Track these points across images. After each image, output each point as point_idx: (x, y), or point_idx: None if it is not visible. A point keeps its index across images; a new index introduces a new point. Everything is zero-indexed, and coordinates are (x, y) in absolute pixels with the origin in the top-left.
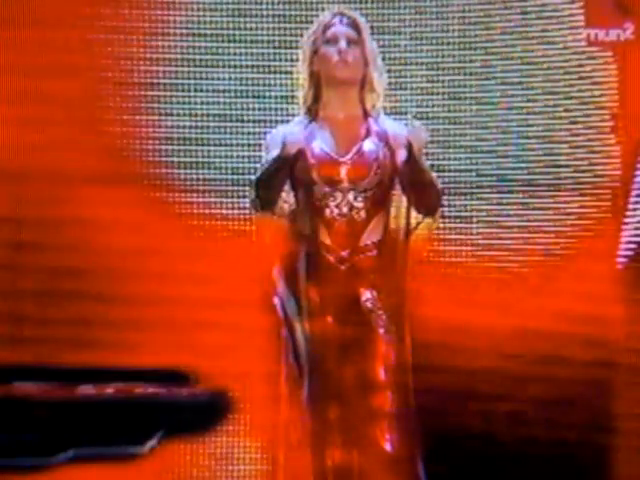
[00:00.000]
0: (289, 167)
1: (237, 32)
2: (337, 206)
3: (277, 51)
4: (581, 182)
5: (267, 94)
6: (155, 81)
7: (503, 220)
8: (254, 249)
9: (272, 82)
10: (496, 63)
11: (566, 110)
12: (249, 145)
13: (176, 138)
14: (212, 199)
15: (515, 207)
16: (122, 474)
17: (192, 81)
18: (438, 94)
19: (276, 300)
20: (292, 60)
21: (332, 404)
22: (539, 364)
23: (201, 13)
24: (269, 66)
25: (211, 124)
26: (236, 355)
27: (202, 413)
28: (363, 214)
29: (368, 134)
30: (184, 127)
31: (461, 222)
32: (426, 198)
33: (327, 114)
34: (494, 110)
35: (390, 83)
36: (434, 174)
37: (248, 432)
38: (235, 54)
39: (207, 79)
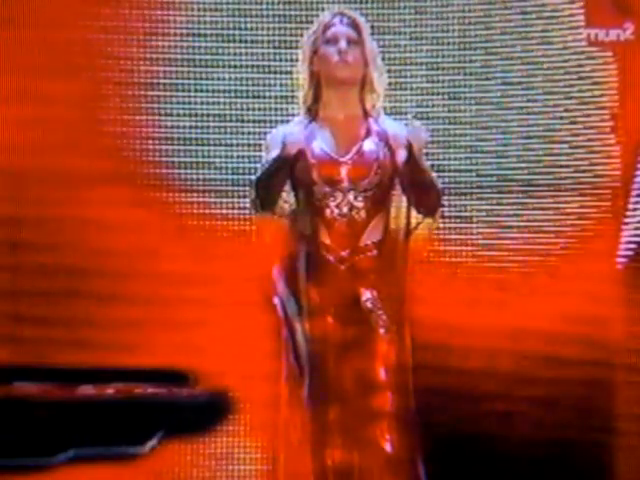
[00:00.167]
0: (289, 167)
1: (237, 32)
2: (337, 206)
3: (277, 51)
4: (581, 182)
5: (267, 94)
6: (155, 81)
7: (503, 220)
8: (254, 249)
9: (272, 82)
10: (496, 63)
11: (566, 110)
12: (249, 145)
13: (176, 138)
14: (212, 199)
15: (515, 207)
16: (122, 474)
17: (192, 81)
18: (438, 94)
19: (276, 300)
20: (292, 60)
21: (332, 404)
22: (539, 364)
23: (201, 13)
24: (269, 66)
25: (211, 124)
26: (236, 355)
27: (202, 413)
28: (363, 214)
29: (368, 134)
30: (184, 127)
31: (461, 222)
32: (426, 198)
33: (327, 114)
34: (494, 110)
35: (390, 83)
36: (434, 174)
37: (248, 432)
38: (235, 54)
39: (207, 79)
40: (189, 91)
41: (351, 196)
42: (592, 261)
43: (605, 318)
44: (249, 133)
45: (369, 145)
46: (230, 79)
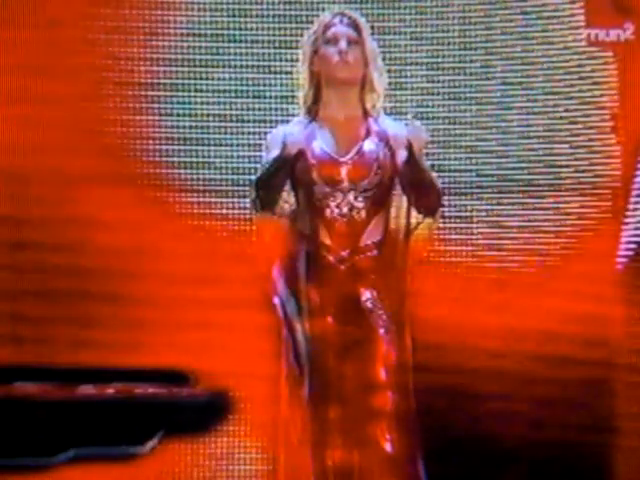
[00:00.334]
0: (289, 167)
1: (237, 32)
2: (337, 206)
3: (277, 51)
4: (581, 182)
5: (267, 94)
6: (155, 81)
7: (503, 220)
8: (254, 249)
9: (272, 82)
10: (496, 63)
11: (566, 110)
12: (249, 145)
13: (176, 138)
14: (212, 199)
15: (515, 207)
16: (122, 474)
17: (192, 81)
18: (438, 94)
19: (276, 300)
20: (292, 60)
21: (332, 404)
22: (539, 364)
23: (201, 13)
24: (269, 66)
25: (211, 124)
26: (236, 355)
27: (202, 413)
28: (363, 214)
29: (368, 134)
30: (184, 127)
31: (461, 222)
32: (426, 198)
33: (327, 114)
34: (494, 110)
35: (390, 83)
36: (434, 174)
37: (248, 432)
38: (235, 54)
39: (207, 79)
40: (189, 91)
41: (351, 196)
42: (592, 261)
43: (605, 318)
44: (249, 133)
45: (369, 145)
46: (230, 79)
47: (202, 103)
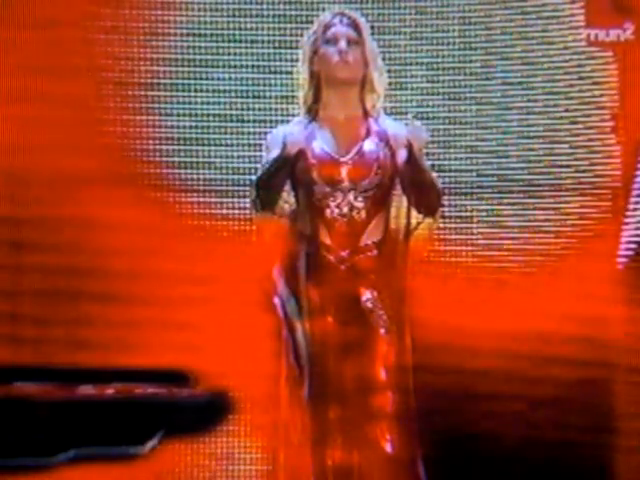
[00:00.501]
0: (289, 167)
1: (237, 32)
2: (337, 206)
3: (277, 51)
4: (581, 182)
5: (267, 94)
6: (155, 81)
7: (503, 220)
8: (254, 249)
9: (272, 82)
10: (496, 63)
11: (566, 110)
12: (249, 145)
13: (176, 138)
14: (212, 199)
15: (515, 207)
16: (122, 474)
17: (192, 81)
18: (438, 94)
19: (276, 300)
20: (292, 60)
21: (332, 404)
22: (539, 364)
23: (201, 13)
24: (269, 66)
25: (211, 124)
26: (236, 355)
27: (202, 413)
28: (363, 214)
29: (368, 134)
30: (184, 127)
31: (461, 222)
32: (426, 198)
33: (327, 114)
34: (494, 110)
35: (390, 83)
36: (434, 174)
37: (248, 432)
38: (235, 54)
39: (207, 79)
40: (189, 91)
41: (351, 196)
42: (592, 261)
43: (605, 318)
44: (249, 133)
45: (369, 145)
46: (230, 79)
47: (202, 103)
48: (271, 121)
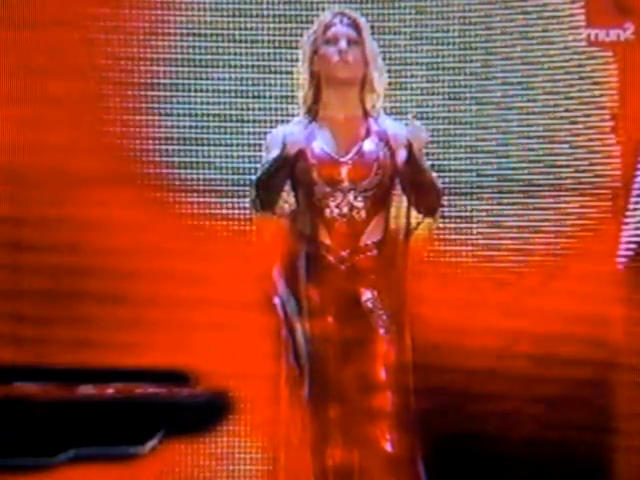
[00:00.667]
0: (289, 167)
1: (237, 32)
2: (337, 206)
3: (277, 51)
4: (581, 182)
5: (267, 94)
6: (155, 81)
7: (503, 220)
8: (254, 249)
9: (272, 82)
10: (496, 63)
11: (566, 110)
12: (249, 145)
13: (176, 138)
14: (212, 199)
15: (515, 207)
16: (122, 474)
17: (192, 81)
18: (438, 94)
19: (276, 300)
20: (292, 60)
21: (332, 404)
22: (539, 364)
23: (201, 13)
24: (269, 66)
25: (211, 124)
26: (236, 355)
27: (202, 413)
28: (363, 214)
29: (368, 134)
30: (184, 127)
31: (461, 222)
32: (426, 198)
33: (327, 114)
34: (494, 110)
35: (390, 83)
36: (434, 174)
37: (248, 432)
38: (235, 54)
39: (207, 79)
40: (189, 91)
41: (351, 196)
42: (592, 261)
43: (605, 318)
44: (249, 133)
45: (369, 145)
46: (230, 79)
47: (202, 103)
48: (271, 121)
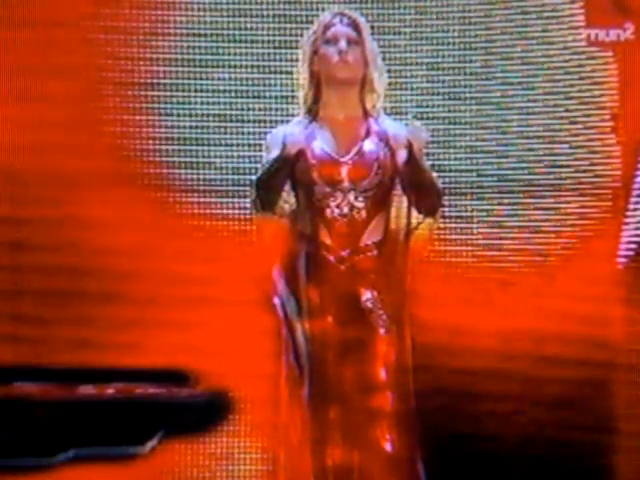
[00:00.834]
0: (289, 167)
1: (237, 32)
2: (338, 206)
3: (277, 51)
4: (581, 182)
5: (267, 94)
6: (155, 81)
7: (503, 220)
8: (254, 249)
9: (272, 82)
10: (496, 63)
11: (566, 110)
12: (249, 145)
13: (176, 138)
14: (212, 199)
15: (515, 207)
16: (122, 474)
17: (192, 81)
18: (438, 94)
19: (276, 300)
20: (292, 60)
21: (332, 404)
22: (539, 364)
23: (201, 13)
24: (269, 66)
25: (211, 124)
26: (236, 355)
27: (202, 413)
28: (364, 214)
29: (368, 134)
30: (184, 127)
31: (461, 222)
32: (426, 198)
33: (327, 114)
34: (494, 110)
35: (390, 83)
36: (434, 174)
37: (248, 432)
38: (235, 54)
39: (207, 79)
40: (189, 91)
41: (351, 196)
42: (592, 261)
43: (605, 318)
44: (249, 133)
45: (369, 145)
46: (230, 79)
47: (202, 103)
48: (271, 121)
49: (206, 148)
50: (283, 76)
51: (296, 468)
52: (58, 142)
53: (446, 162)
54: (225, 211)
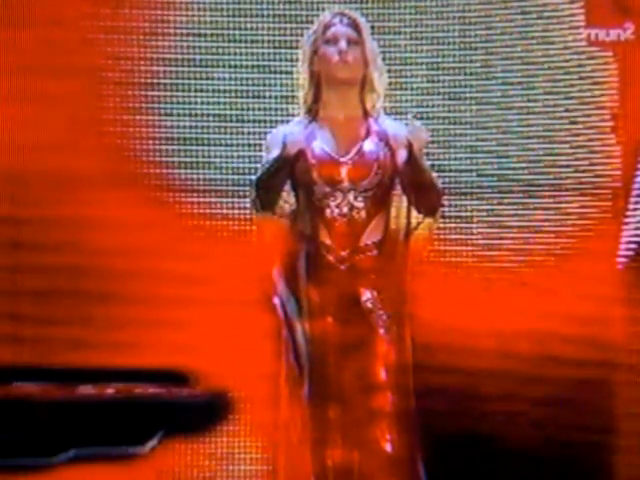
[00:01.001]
0: (289, 167)
1: (237, 32)
2: (337, 206)
3: (277, 51)
4: (581, 182)
5: (267, 94)
6: (155, 81)
7: (503, 220)
8: (254, 249)
9: (272, 82)
10: (496, 63)
11: (566, 110)
12: (249, 145)
13: (176, 138)
14: (212, 199)
15: (515, 207)
16: (122, 474)
17: (192, 81)
18: (438, 94)
19: (276, 300)
20: (292, 60)
21: (332, 404)
22: (539, 364)
23: (201, 13)
24: (269, 66)
25: (211, 124)
26: (236, 355)
27: (202, 413)
28: (363, 214)
29: (368, 134)
30: (184, 127)
31: (461, 222)
32: (426, 198)
33: (327, 114)
34: (494, 110)
35: (390, 83)
36: (434, 174)
37: (248, 432)
38: (235, 54)
39: (207, 79)
40: (189, 91)
41: (351, 196)
42: (592, 261)
43: (605, 318)
44: (249, 133)
45: (369, 145)
46: (230, 79)
47: (202, 103)
48: (271, 121)
49: (206, 148)
50: (283, 76)
51: (296, 468)
52: (58, 142)
53: (446, 162)
54: (225, 211)
